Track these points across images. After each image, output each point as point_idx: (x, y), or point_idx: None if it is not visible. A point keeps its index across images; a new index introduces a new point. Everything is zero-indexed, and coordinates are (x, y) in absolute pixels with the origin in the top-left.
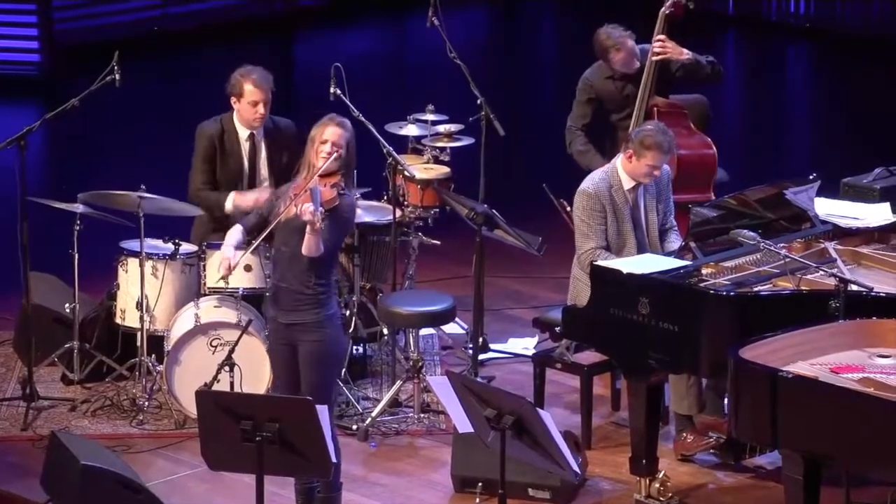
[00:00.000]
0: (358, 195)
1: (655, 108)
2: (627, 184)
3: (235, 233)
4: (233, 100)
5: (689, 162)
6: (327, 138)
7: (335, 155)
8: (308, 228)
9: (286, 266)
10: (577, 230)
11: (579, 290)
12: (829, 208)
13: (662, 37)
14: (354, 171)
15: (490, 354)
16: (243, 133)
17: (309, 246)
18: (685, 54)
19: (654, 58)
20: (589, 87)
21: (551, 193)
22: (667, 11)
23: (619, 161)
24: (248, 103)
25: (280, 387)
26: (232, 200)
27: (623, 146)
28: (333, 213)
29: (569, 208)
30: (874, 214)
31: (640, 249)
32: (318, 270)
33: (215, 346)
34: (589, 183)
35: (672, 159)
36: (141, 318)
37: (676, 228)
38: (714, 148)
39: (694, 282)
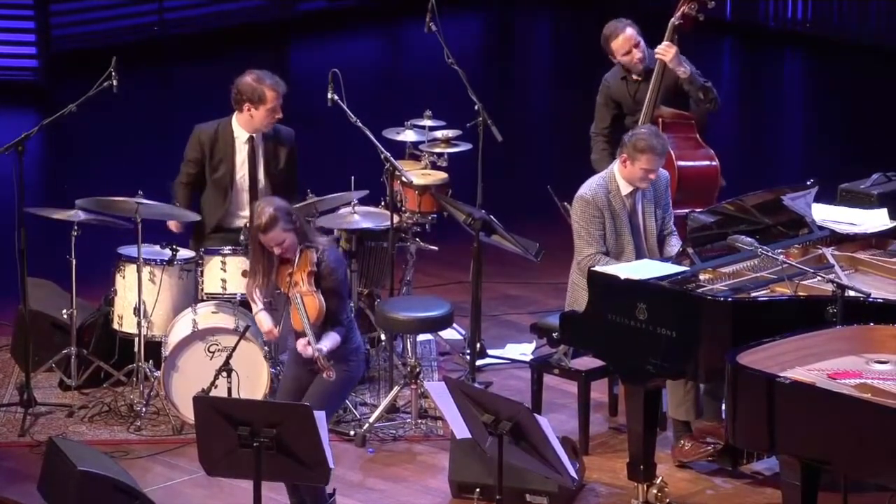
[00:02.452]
0: (355, 201)
1: (661, 119)
2: (625, 189)
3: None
4: (247, 106)
5: (690, 176)
6: (269, 244)
7: (281, 251)
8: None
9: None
10: (575, 236)
11: (577, 296)
12: (826, 214)
13: (668, 43)
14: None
15: (487, 360)
16: (242, 136)
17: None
18: (682, 69)
19: (656, 55)
20: (606, 87)
21: (555, 196)
22: (676, 22)
23: (615, 166)
24: (269, 110)
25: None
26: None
27: (618, 151)
28: (320, 285)
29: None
30: (871, 220)
31: (639, 255)
32: (333, 317)
33: (213, 352)
34: (586, 188)
35: (672, 172)
36: (138, 323)
37: (676, 233)
38: (717, 161)
39: (692, 287)
